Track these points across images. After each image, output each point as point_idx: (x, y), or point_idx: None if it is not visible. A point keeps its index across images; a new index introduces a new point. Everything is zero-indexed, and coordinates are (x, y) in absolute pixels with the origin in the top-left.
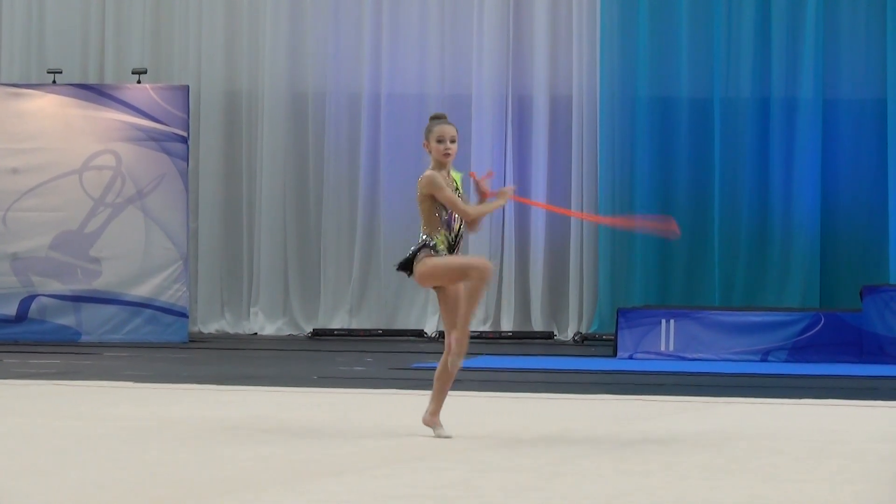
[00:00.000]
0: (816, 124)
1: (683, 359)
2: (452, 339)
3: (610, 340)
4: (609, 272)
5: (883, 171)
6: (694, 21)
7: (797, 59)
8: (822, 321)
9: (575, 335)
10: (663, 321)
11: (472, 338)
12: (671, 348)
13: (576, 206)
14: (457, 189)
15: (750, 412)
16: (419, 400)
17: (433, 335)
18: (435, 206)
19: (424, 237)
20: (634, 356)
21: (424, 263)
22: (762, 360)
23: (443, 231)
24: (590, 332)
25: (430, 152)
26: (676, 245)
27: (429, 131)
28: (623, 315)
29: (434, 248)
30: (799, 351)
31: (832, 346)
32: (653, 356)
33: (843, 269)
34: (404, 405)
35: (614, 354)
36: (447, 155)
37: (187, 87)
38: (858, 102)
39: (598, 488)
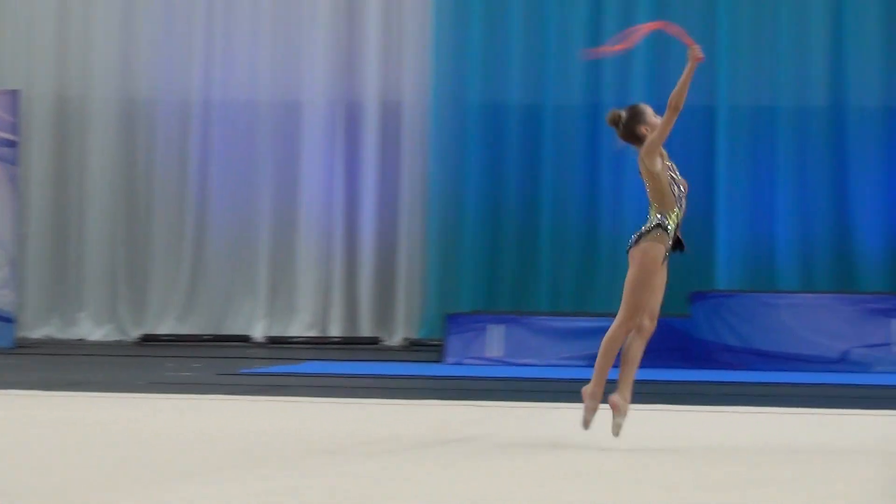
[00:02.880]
0: None
1: (511, 364)
2: (646, 321)
3: (438, 346)
4: (438, 277)
5: (710, 177)
6: (526, 27)
7: (627, 66)
8: None
9: (403, 341)
10: (492, 327)
11: (298, 344)
12: (499, 354)
13: (404, 213)
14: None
15: (575, 418)
16: (247, 405)
17: (262, 340)
18: (661, 188)
19: (658, 216)
20: (462, 362)
21: (649, 252)
22: (590, 366)
23: (676, 209)
24: (418, 337)
25: (647, 133)
26: (505, 250)
27: (643, 113)
28: (451, 320)
29: (666, 228)
30: None
31: (660, 351)
32: (481, 362)
33: (672, 275)
34: (232, 411)
35: (442, 360)
36: None
37: (17, 91)
38: (690, 109)
39: (425, 494)
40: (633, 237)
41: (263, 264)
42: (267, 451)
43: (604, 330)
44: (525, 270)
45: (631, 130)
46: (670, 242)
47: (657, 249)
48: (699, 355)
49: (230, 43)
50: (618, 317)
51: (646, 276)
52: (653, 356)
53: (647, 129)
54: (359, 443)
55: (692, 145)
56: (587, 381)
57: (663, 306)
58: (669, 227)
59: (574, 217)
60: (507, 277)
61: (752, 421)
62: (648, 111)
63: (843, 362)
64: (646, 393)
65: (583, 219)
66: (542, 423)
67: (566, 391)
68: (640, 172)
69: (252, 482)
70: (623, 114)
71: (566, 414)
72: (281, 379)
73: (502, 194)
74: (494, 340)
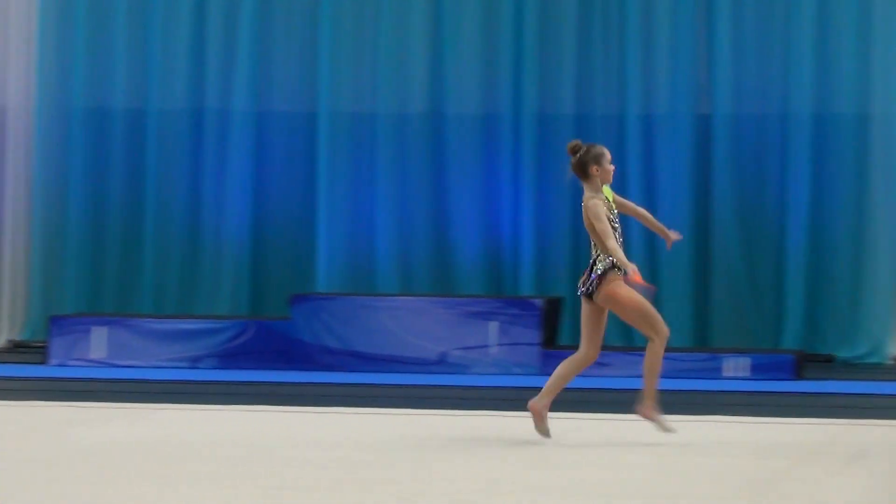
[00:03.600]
0: (249, 136)
1: (115, 366)
2: (591, 356)
3: (42, 347)
4: (41, 280)
5: (312, 183)
6: (130, 32)
7: (231, 71)
8: (252, 329)
9: (7, 342)
10: (96, 328)
11: None
12: (103, 355)
13: (8, 216)
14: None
15: (179, 418)
16: None
17: None
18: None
19: (607, 260)
20: (66, 363)
21: (616, 289)
22: (193, 367)
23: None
24: (22, 339)
25: (595, 175)
26: (109, 253)
27: (601, 156)
28: (55, 322)
29: (617, 266)
30: (229, 358)
31: (262, 353)
32: (85, 363)
33: (273, 279)
34: None
35: (46, 361)
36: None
37: None
38: (289, 115)
39: (25, 496)
40: (591, 283)
41: None
42: None
43: (207, 331)
44: (129, 273)
45: (583, 165)
46: (622, 273)
47: (619, 286)
48: (299, 357)
49: None
50: (650, 338)
51: (633, 301)
52: (254, 358)
53: (597, 171)
54: None
55: (293, 150)
56: (189, 382)
57: (262, 309)
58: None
59: (177, 221)
60: (111, 280)
61: (351, 421)
62: (607, 157)
63: (441, 364)
64: (249, 394)
65: (186, 222)
66: (145, 423)
67: (169, 392)
68: (583, 217)
69: None
70: (584, 147)
71: (170, 415)
72: None
73: (107, 198)
74: (98, 342)
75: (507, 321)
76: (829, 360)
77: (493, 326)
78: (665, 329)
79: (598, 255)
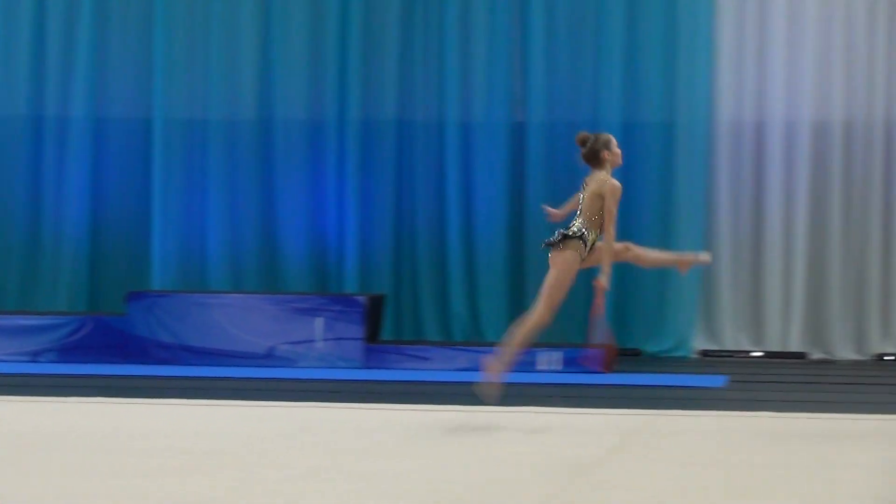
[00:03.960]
0: (86, 141)
1: None
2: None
3: None
4: None
5: (147, 186)
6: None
7: (69, 78)
8: (90, 324)
9: None
10: None
11: None
12: None
13: None
14: None
15: (19, 410)
16: None
17: None
18: (602, 209)
19: (583, 229)
20: None
21: (569, 260)
22: (33, 361)
23: (595, 231)
24: None
25: (607, 160)
26: None
27: (609, 141)
28: None
29: (585, 242)
30: (68, 352)
31: (99, 347)
32: None
33: (110, 277)
34: None
35: None
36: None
37: None
38: (125, 121)
39: None
40: (557, 235)
41: None
42: None
43: (46, 327)
44: None
45: (596, 153)
46: (586, 252)
47: (574, 258)
48: (135, 351)
49: None
50: (536, 311)
51: (564, 279)
52: (91, 352)
53: (608, 155)
54: None
55: (129, 154)
56: (29, 375)
57: (99, 305)
58: (588, 239)
59: (17, 222)
60: None
61: (185, 412)
62: (614, 141)
63: (269, 357)
64: (87, 387)
65: (26, 224)
66: None
67: (9, 385)
68: (584, 190)
69: None
70: (591, 136)
71: (10, 407)
72: None
73: None
74: None
75: (331, 317)
76: (636, 353)
77: (319, 322)
78: (550, 318)
79: (578, 222)
